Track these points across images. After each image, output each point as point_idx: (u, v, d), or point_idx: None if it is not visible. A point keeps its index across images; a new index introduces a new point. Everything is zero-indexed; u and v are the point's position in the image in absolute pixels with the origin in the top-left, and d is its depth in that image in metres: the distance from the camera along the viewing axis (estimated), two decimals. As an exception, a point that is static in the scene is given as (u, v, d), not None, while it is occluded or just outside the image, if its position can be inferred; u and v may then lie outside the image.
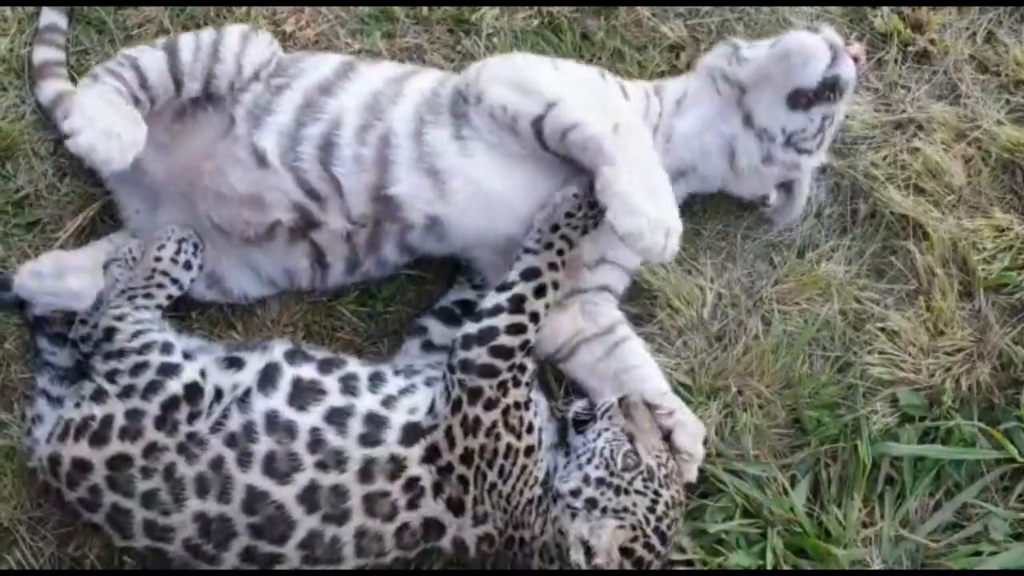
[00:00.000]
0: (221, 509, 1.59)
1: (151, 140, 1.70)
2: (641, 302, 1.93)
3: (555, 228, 1.66)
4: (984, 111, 1.99)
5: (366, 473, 1.60)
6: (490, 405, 1.61)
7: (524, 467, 1.63)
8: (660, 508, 1.59)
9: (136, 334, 1.69)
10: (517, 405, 1.63)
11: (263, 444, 1.60)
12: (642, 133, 1.70)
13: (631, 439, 1.64)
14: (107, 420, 1.63)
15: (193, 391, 1.64)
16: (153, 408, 1.62)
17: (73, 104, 1.68)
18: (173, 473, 1.60)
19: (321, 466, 1.59)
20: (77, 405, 1.67)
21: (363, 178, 1.69)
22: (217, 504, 1.59)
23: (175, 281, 1.77)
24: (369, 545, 1.62)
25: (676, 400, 1.77)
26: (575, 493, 1.61)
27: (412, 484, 1.62)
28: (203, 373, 1.67)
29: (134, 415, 1.62)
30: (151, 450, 1.61)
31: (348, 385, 1.67)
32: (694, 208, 1.94)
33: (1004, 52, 2.02)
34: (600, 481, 1.61)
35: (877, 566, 1.80)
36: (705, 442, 1.77)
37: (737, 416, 1.86)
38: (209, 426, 1.62)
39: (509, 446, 1.61)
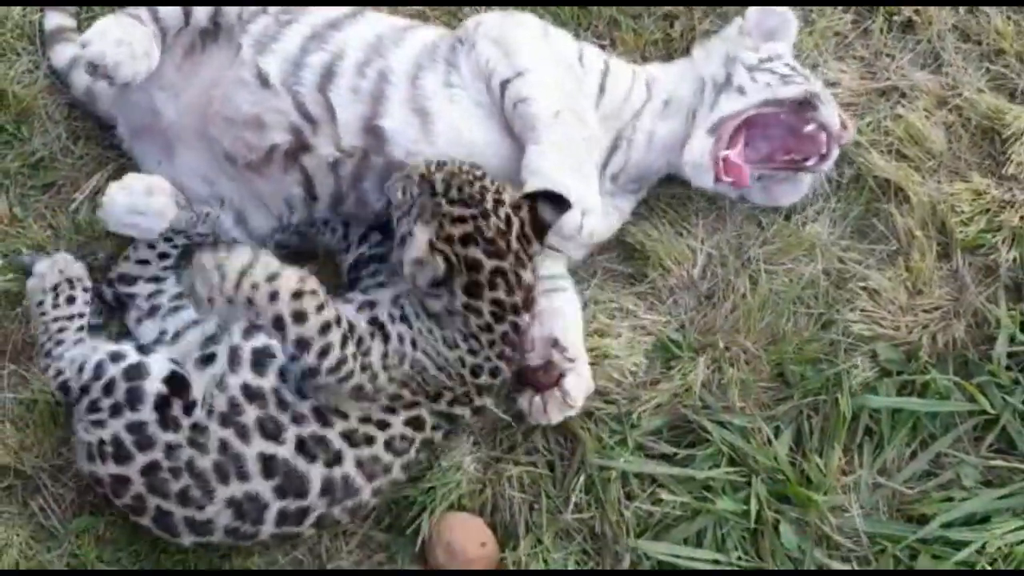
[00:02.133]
0: (245, 487, 1.64)
1: (163, 81, 1.78)
2: (634, 262, 1.99)
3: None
4: (965, 79, 2.03)
5: (322, 418, 1.67)
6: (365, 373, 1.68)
7: (424, 351, 1.68)
8: (441, 186, 1.64)
9: (81, 368, 1.71)
10: (384, 355, 1.68)
11: (250, 413, 1.65)
12: (585, 125, 1.75)
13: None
14: (116, 440, 1.66)
15: (174, 383, 1.67)
16: (148, 415, 1.65)
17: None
18: (194, 468, 1.64)
19: (295, 421, 1.66)
20: (86, 430, 1.69)
21: (357, 108, 1.74)
22: (240, 484, 1.64)
23: (71, 317, 1.79)
24: (372, 468, 1.70)
25: (583, 356, 1.84)
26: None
27: (366, 418, 1.69)
28: (177, 362, 1.71)
29: (137, 428, 1.65)
30: (169, 450, 1.65)
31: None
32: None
33: (986, 22, 2.05)
34: (399, 221, 1.69)
35: (856, 511, 1.88)
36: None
37: (724, 370, 1.92)
38: (205, 413, 1.66)
39: (412, 364, 1.68)
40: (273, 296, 1.64)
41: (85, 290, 1.83)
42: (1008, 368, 1.93)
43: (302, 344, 1.63)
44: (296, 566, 1.89)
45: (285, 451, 1.65)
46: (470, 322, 1.67)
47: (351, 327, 1.67)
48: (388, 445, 1.71)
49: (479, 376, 1.71)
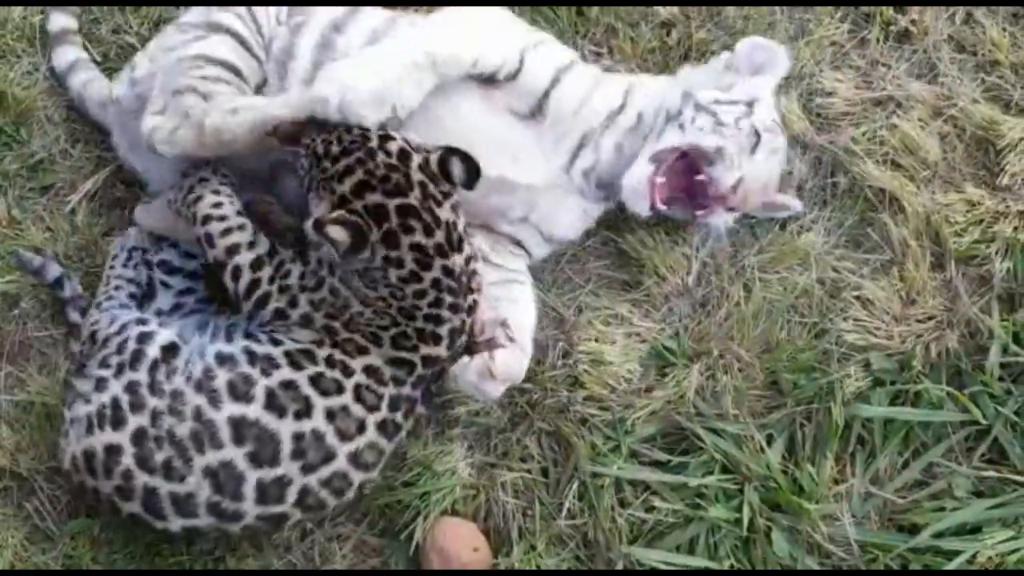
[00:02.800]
0: (220, 456, 1.63)
1: None
2: (629, 269, 2.00)
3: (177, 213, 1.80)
4: (960, 90, 2.04)
5: (294, 364, 1.66)
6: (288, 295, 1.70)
7: (341, 279, 1.66)
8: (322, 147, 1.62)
9: (112, 321, 1.78)
10: (301, 275, 1.68)
11: (220, 377, 1.65)
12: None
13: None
14: (115, 402, 1.68)
15: (168, 351, 1.71)
16: (143, 376, 1.68)
17: None
18: (175, 436, 1.64)
19: (264, 372, 1.66)
20: (87, 401, 1.71)
21: None
22: (215, 452, 1.63)
23: (130, 281, 1.88)
24: (345, 423, 1.66)
25: (527, 346, 1.82)
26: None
27: (329, 360, 1.67)
28: (180, 336, 1.74)
29: (132, 388, 1.68)
30: (155, 416, 1.66)
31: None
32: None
33: (981, 33, 2.06)
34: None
35: (847, 520, 1.88)
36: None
37: (718, 378, 1.93)
38: (184, 379, 1.67)
39: (331, 290, 1.66)
40: (193, 218, 1.74)
41: (149, 267, 1.91)
42: (1001, 379, 1.94)
43: (218, 266, 1.72)
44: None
45: (254, 410, 1.64)
46: (390, 274, 1.61)
47: (272, 250, 1.71)
48: (356, 395, 1.67)
49: (414, 319, 1.66)
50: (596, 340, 1.94)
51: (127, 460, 1.66)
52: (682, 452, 1.92)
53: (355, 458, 1.69)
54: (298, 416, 1.65)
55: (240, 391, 1.65)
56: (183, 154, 1.73)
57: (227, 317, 1.82)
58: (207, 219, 1.72)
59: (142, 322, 1.77)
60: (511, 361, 1.77)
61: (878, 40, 2.07)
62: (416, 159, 1.62)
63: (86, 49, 2.05)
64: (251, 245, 1.71)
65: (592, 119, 1.83)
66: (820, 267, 1.98)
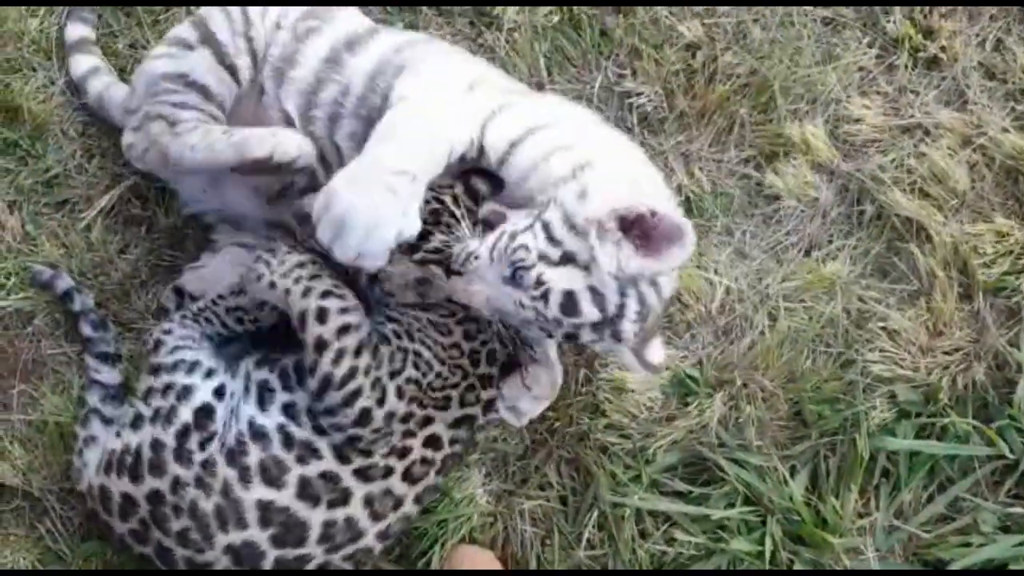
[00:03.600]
0: (243, 535, 1.59)
1: None
2: (652, 296, 1.99)
3: (272, 285, 1.64)
4: (990, 118, 2.01)
5: (341, 456, 1.61)
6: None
7: (423, 342, 1.63)
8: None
9: (174, 349, 1.73)
10: (390, 358, 1.61)
11: (253, 454, 1.60)
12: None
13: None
14: (137, 452, 1.63)
15: (202, 414, 1.64)
16: (170, 440, 1.63)
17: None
18: (197, 511, 1.59)
19: (301, 460, 1.60)
20: (118, 435, 1.68)
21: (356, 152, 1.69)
22: (238, 531, 1.59)
23: (224, 324, 1.79)
24: (382, 504, 1.64)
25: (556, 358, 1.79)
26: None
27: (366, 452, 1.63)
28: (219, 391, 1.68)
29: (157, 447, 1.63)
30: (176, 485, 1.60)
31: (285, 382, 1.68)
32: (703, 205, 1.99)
33: (1012, 60, 2.04)
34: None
35: (871, 554, 1.86)
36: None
37: (741, 408, 1.90)
38: (219, 445, 1.62)
39: (415, 364, 1.62)
40: (306, 292, 1.59)
41: (251, 322, 1.81)
42: (1028, 412, 1.92)
43: (317, 347, 1.57)
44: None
45: (284, 497, 1.60)
46: (457, 312, 1.62)
47: (369, 336, 1.61)
48: (406, 474, 1.65)
49: (478, 365, 1.66)
50: (619, 368, 1.91)
51: (143, 513, 1.63)
52: (704, 483, 1.90)
53: (383, 534, 1.67)
54: (332, 505, 1.62)
55: (271, 475, 1.60)
56: (156, 171, 1.81)
57: (257, 364, 1.72)
58: (326, 294, 1.59)
59: (192, 368, 1.70)
60: (545, 377, 1.74)
61: (906, 66, 2.04)
62: (447, 195, 1.62)
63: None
64: (359, 327, 1.60)
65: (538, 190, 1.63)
66: (846, 296, 1.96)
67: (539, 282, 1.47)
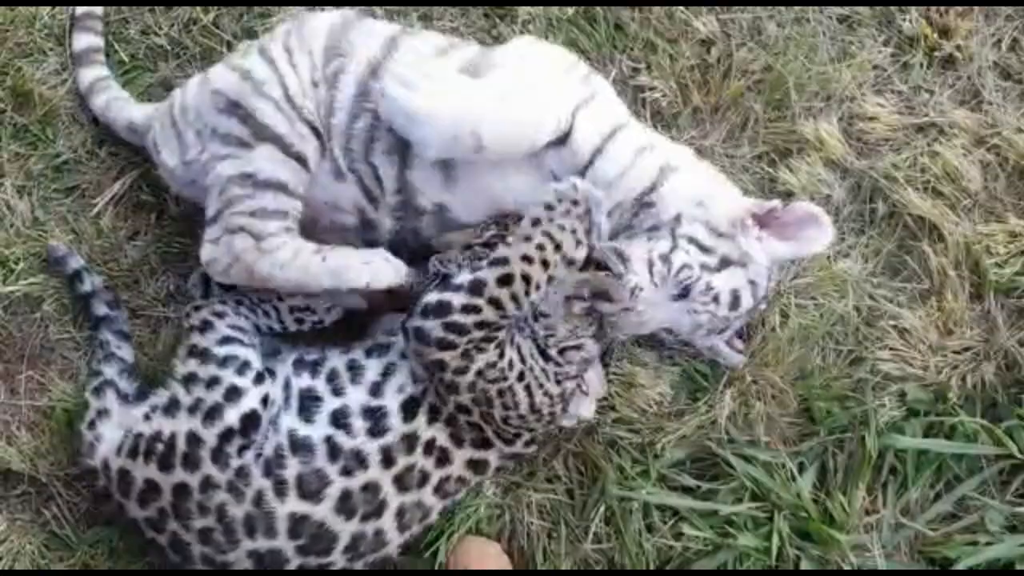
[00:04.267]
0: (270, 544, 1.59)
1: None
2: (662, 291, 1.98)
3: (535, 221, 1.59)
4: (1004, 118, 2.00)
5: (387, 460, 1.62)
6: (460, 372, 1.59)
7: (527, 387, 1.63)
8: (542, 242, 1.58)
9: (225, 340, 1.68)
10: (490, 364, 1.60)
11: (291, 468, 1.60)
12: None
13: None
14: (171, 442, 1.61)
15: (248, 422, 1.61)
16: (211, 439, 1.60)
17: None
18: (225, 515, 1.59)
19: (346, 472, 1.60)
20: (147, 418, 1.65)
21: (392, 169, 1.71)
22: (266, 539, 1.59)
23: (281, 322, 1.77)
24: (411, 516, 1.65)
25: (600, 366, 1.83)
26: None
27: (430, 447, 1.64)
28: (266, 400, 1.65)
29: (194, 441, 1.60)
30: (206, 485, 1.59)
31: (335, 385, 1.67)
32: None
33: (1028, 60, 2.04)
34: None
35: (877, 551, 1.86)
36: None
37: (751, 404, 1.90)
38: (253, 456, 1.61)
39: (500, 391, 1.61)
40: (524, 255, 1.57)
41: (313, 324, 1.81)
42: (1037, 413, 1.91)
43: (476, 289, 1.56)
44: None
45: (320, 511, 1.60)
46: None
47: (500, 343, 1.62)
48: (438, 488, 1.67)
49: (555, 406, 1.69)
50: (628, 362, 1.91)
51: (165, 504, 1.62)
52: (712, 478, 1.89)
53: (405, 544, 1.69)
54: (365, 518, 1.62)
55: (310, 489, 1.60)
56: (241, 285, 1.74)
57: (295, 368, 1.70)
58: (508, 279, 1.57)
59: (243, 368, 1.65)
60: (595, 378, 1.79)
61: (921, 65, 2.04)
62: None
63: (114, 51, 2.02)
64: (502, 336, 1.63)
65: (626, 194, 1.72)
66: (857, 294, 1.95)
67: (709, 288, 1.65)
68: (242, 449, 1.61)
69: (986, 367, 1.93)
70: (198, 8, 2.01)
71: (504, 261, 1.57)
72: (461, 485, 1.70)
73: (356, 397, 1.65)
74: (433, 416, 1.65)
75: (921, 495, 1.90)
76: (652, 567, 1.84)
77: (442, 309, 1.57)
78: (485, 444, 1.68)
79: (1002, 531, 1.87)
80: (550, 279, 1.59)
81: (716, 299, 1.66)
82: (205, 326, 1.70)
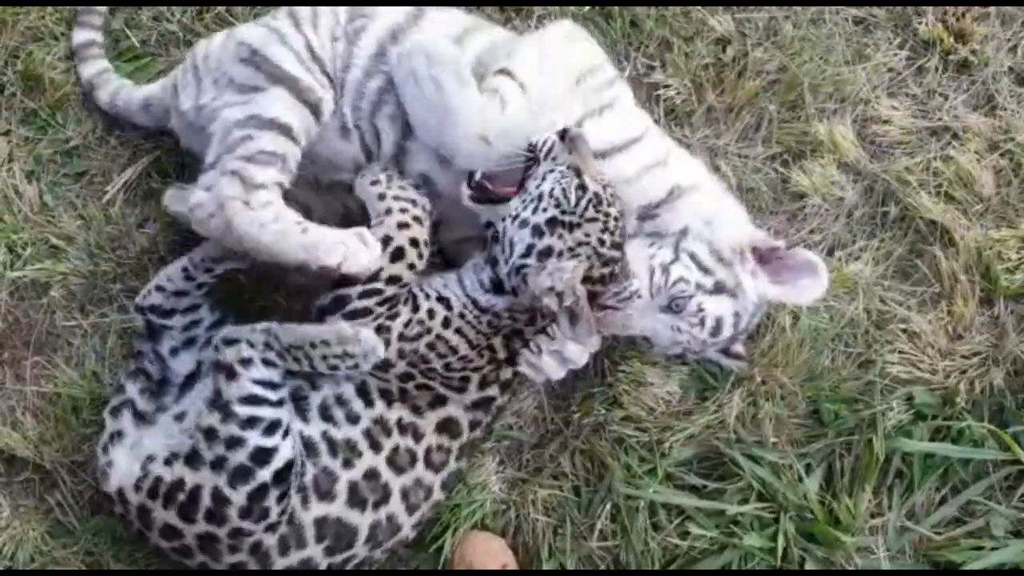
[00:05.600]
0: (301, 555, 1.61)
1: None
2: (673, 289, 1.98)
3: (380, 196, 1.66)
4: (1018, 124, 2.00)
5: (374, 444, 1.64)
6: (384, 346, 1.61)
7: (458, 330, 1.64)
8: (611, 224, 1.57)
9: (249, 398, 1.57)
10: (406, 323, 1.62)
11: (309, 473, 1.61)
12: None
13: (577, 173, 1.58)
14: (194, 495, 1.56)
15: (283, 473, 1.56)
16: (239, 498, 1.55)
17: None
18: (259, 549, 1.59)
19: (347, 464, 1.62)
20: (168, 463, 1.59)
21: (392, 135, 1.72)
22: (298, 552, 1.60)
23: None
24: (416, 496, 1.68)
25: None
26: (526, 254, 1.58)
27: (401, 426, 1.66)
28: (293, 443, 1.60)
29: (220, 500, 1.55)
30: (237, 534, 1.57)
31: (312, 378, 1.66)
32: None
33: (1043, 66, 2.04)
34: (552, 222, 1.56)
35: (882, 554, 1.86)
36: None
37: (759, 404, 1.90)
38: (296, 491, 1.59)
39: (429, 344, 1.63)
40: (401, 226, 1.65)
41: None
42: (1044, 419, 1.92)
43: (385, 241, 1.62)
44: None
45: (336, 508, 1.61)
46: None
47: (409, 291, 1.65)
48: (428, 462, 1.68)
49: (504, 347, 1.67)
50: (637, 360, 1.91)
51: (190, 543, 1.60)
52: (718, 478, 1.90)
53: (418, 524, 1.73)
54: (376, 506, 1.65)
55: (324, 488, 1.62)
56: (212, 237, 1.71)
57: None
58: (415, 242, 1.64)
59: (271, 429, 1.55)
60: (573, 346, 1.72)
61: (936, 69, 2.04)
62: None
63: (126, 36, 2.01)
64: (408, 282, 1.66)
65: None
66: (867, 297, 1.95)
67: (699, 309, 1.63)
68: (282, 497, 1.57)
69: (994, 372, 1.93)
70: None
71: (388, 240, 1.62)
72: (446, 455, 1.70)
73: (327, 387, 1.66)
74: (387, 398, 1.66)
75: (927, 499, 1.91)
76: (657, 565, 1.84)
77: (340, 303, 1.63)
78: (440, 400, 1.68)
79: (1007, 536, 1.88)
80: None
81: (702, 322, 1.64)
82: (231, 374, 1.58)
